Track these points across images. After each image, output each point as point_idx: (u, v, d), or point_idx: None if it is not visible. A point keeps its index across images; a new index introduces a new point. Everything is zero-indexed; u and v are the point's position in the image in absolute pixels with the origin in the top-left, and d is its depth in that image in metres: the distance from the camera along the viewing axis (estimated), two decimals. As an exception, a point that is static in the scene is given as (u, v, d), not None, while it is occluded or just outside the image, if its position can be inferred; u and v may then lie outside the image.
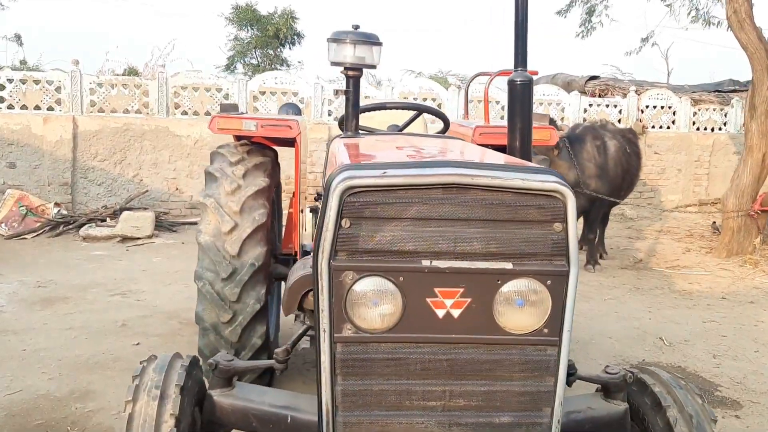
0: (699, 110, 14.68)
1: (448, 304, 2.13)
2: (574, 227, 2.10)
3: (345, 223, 2.06)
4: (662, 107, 14.45)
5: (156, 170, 11.62)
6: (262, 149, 4.77)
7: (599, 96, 15.08)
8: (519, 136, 3.13)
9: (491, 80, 5.53)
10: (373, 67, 3.40)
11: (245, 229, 4.32)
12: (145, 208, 11.05)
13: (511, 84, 3.09)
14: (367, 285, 2.11)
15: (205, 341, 4.38)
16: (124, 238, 10.18)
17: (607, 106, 14.06)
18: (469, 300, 2.13)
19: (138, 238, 10.22)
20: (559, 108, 13.68)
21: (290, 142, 5.04)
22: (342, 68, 3.40)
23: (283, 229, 5.47)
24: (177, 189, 11.73)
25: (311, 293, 2.58)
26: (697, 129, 14.59)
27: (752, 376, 5.47)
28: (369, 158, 2.65)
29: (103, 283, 7.84)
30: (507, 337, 2.15)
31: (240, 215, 4.34)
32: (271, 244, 4.51)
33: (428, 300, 2.12)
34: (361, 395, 2.15)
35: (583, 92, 14.77)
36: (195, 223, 11.40)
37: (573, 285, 2.12)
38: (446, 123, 3.96)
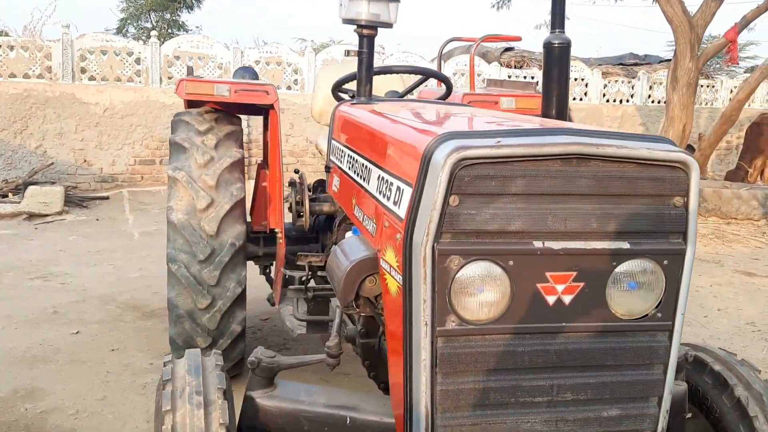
0: (609, 83, 15.12)
1: (560, 290, 1.90)
2: (696, 202, 1.92)
3: (453, 200, 1.79)
4: (575, 79, 14.75)
5: (61, 141, 10.69)
6: (229, 117, 4.35)
7: (516, 67, 15.22)
8: (555, 103, 2.93)
9: (477, 46, 5.30)
10: (389, 25, 3.08)
11: (223, 206, 3.91)
12: (52, 183, 10.14)
13: (548, 47, 2.88)
14: (474, 271, 1.85)
15: (178, 330, 3.97)
16: (31, 215, 9.30)
17: (525, 77, 14.20)
18: (582, 284, 1.91)
19: (46, 215, 9.38)
20: (480, 79, 13.68)
21: (257, 110, 4.64)
22: (355, 27, 3.06)
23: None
24: (85, 161, 10.85)
25: (368, 279, 2.29)
26: (607, 101, 15.02)
27: (711, 341, 5.62)
28: (441, 127, 2.36)
29: (18, 266, 7.10)
30: (619, 323, 1.95)
31: (216, 190, 3.92)
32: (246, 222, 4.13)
33: (539, 286, 1.89)
34: (464, 394, 1.90)
35: (500, 63, 14.85)
36: (107, 198, 10.64)
37: (689, 265, 1.95)
38: (449, 88, 3.72)
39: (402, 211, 1.95)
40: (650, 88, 15.29)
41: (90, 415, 4.03)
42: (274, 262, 4.36)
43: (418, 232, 1.83)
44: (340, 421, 2.27)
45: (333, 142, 3.22)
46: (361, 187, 2.52)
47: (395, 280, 2.00)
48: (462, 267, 1.83)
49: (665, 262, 1.94)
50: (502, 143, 1.79)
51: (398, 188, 2.03)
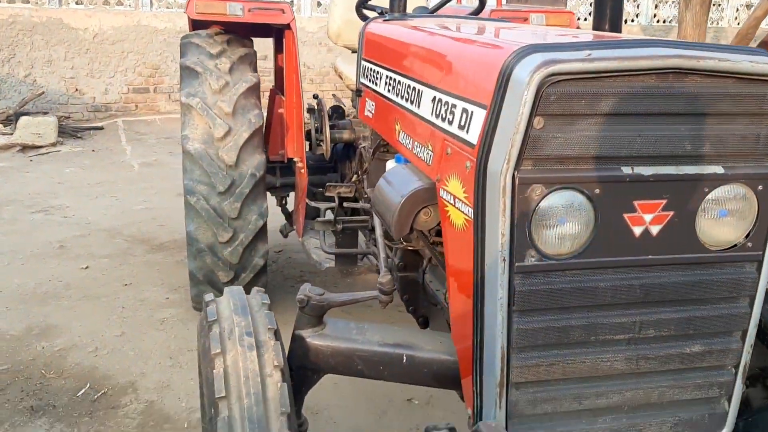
0: (613, 1, 14.63)
1: (648, 220, 1.74)
2: (795, 120, 1.74)
3: (537, 122, 1.60)
4: (578, -2, 14.26)
5: (51, 69, 10.28)
6: (241, 39, 4.08)
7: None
8: (609, 15, 2.71)
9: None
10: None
11: (241, 134, 3.70)
12: (45, 113, 9.78)
13: (602, -45, 2.63)
14: (557, 201, 1.68)
15: (199, 264, 3.82)
16: (25, 147, 9.00)
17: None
18: (671, 213, 1.75)
19: (40, 147, 9.07)
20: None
21: (267, 32, 4.36)
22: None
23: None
24: (77, 90, 10.47)
25: (423, 212, 2.13)
26: (611, 21, 14.56)
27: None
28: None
29: (17, 200, 6.88)
30: (707, 254, 1.80)
31: (233, 118, 3.70)
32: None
33: (625, 216, 1.73)
34: (541, 333, 1.77)
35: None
36: (101, 128, 10.32)
37: (784, 190, 1.78)
38: (483, 2, 3.46)
39: (472, 136, 1.76)
40: (656, 7, 14.84)
41: (110, 352, 3.92)
42: (294, 193, 4.18)
43: (495, 159, 1.65)
44: (396, 359, 2.14)
45: (365, 63, 2.99)
46: (408, 111, 2.32)
47: (462, 212, 1.83)
48: (544, 197, 1.66)
49: (759, 187, 1.77)
50: (594, 56, 1.59)
51: (465, 111, 1.83)
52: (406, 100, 2.35)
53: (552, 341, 1.78)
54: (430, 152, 2.08)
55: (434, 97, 2.09)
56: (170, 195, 7.12)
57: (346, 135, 3.95)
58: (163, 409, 3.39)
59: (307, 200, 3.65)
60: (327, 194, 3.49)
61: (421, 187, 2.09)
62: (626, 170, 1.69)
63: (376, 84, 2.74)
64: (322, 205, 3.51)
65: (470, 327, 1.86)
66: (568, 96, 1.59)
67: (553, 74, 1.56)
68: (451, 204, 1.90)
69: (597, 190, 1.68)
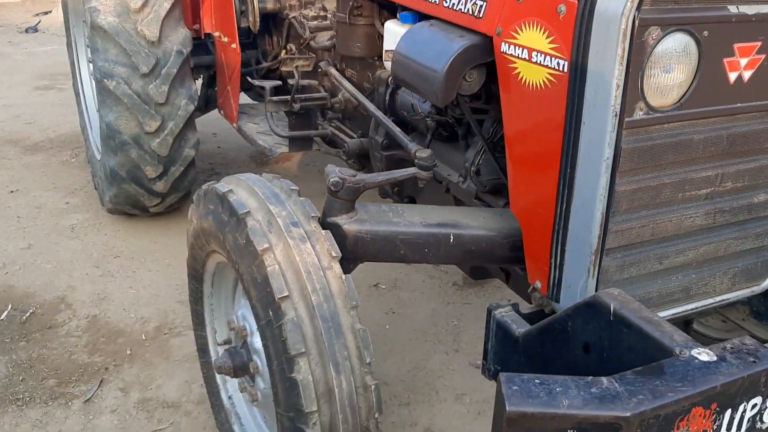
0: None
1: (743, 64, 1.64)
2: None
3: None
4: None
5: None
6: None
7: None
8: None
9: None
10: None
11: (162, 4, 3.17)
12: None
13: None
14: (671, 44, 1.52)
15: (122, 159, 3.34)
16: None
17: None
18: (762, 56, 1.65)
19: None
20: None
21: None
22: None
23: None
24: None
25: (467, 74, 1.90)
26: None
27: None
28: None
29: None
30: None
31: (149, -17, 3.15)
32: (185, 24, 3.41)
33: (724, 60, 1.61)
34: (639, 194, 1.65)
35: None
36: None
37: None
38: None
39: None
40: None
41: (22, 268, 3.41)
42: (217, 75, 3.70)
43: (606, 0, 1.45)
44: (443, 239, 1.96)
45: None
46: None
47: (545, 66, 1.63)
48: (660, 41, 1.50)
49: None
50: None
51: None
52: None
53: (645, 202, 1.67)
54: (481, 3, 1.82)
55: (480, -61, 1.81)
56: (26, 89, 6.24)
57: (270, 5, 3.53)
58: (110, 323, 3.02)
59: (250, 79, 3.24)
60: (284, 69, 3.11)
61: (467, 45, 1.85)
62: (732, 9, 1.56)
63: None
64: (268, 83, 3.13)
65: (547, 195, 1.71)
66: None
67: None
68: (524, 59, 1.69)
69: (705, 32, 1.54)
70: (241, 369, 1.98)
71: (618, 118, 1.53)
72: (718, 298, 1.95)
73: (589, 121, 1.57)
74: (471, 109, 2.07)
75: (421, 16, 2.18)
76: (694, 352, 1.33)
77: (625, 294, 1.50)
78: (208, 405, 2.52)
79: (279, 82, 3.17)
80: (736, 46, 1.60)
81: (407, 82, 2.06)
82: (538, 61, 1.65)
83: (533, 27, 1.64)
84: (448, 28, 1.96)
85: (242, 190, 1.86)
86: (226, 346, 2.12)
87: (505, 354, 1.85)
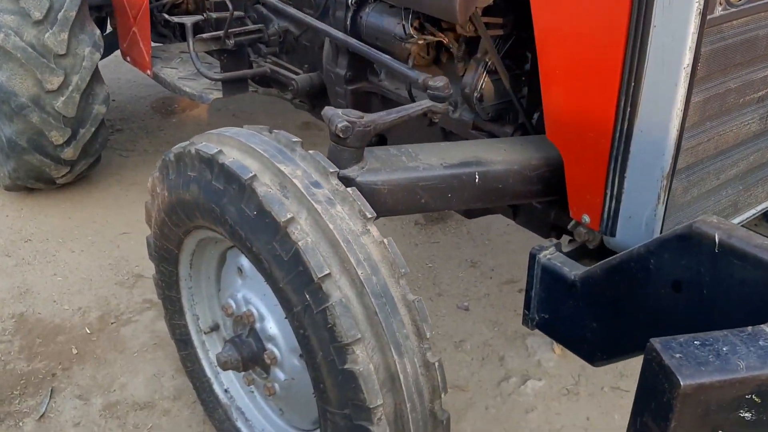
0: None
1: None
2: None
3: None
4: None
5: None
6: None
7: None
8: None
9: None
10: None
11: (45, -68, 2.61)
12: None
13: None
14: None
15: (21, 126, 2.81)
16: None
17: None
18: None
19: None
20: None
21: None
22: None
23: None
24: None
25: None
26: None
27: None
28: None
29: None
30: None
31: None
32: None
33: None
34: (709, 104, 1.44)
35: None
36: None
37: None
38: None
39: None
40: None
41: None
42: (117, 14, 3.16)
43: None
44: (468, 181, 1.69)
45: None
46: None
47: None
48: None
49: None
50: None
51: None
52: None
53: (712, 112, 1.48)
54: None
55: None
56: None
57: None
58: (42, 320, 2.57)
59: (168, 16, 2.76)
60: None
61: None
62: None
63: None
64: (188, 20, 2.67)
65: (601, 114, 1.48)
66: None
67: None
68: (565, -43, 1.41)
69: None
70: (251, 361, 1.67)
71: (702, 16, 1.30)
72: (759, 208, 1.82)
73: (662, 23, 1.33)
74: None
75: None
76: (834, 278, 1.17)
77: (726, 221, 1.31)
78: (187, 399, 2.22)
79: (201, 17, 2.72)
80: None
81: (411, 1, 1.74)
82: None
83: None
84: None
85: (233, 149, 1.51)
86: (225, 336, 1.80)
87: (556, 301, 1.65)
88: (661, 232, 1.53)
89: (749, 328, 1.07)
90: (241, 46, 2.71)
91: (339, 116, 1.56)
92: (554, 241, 1.68)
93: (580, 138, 1.57)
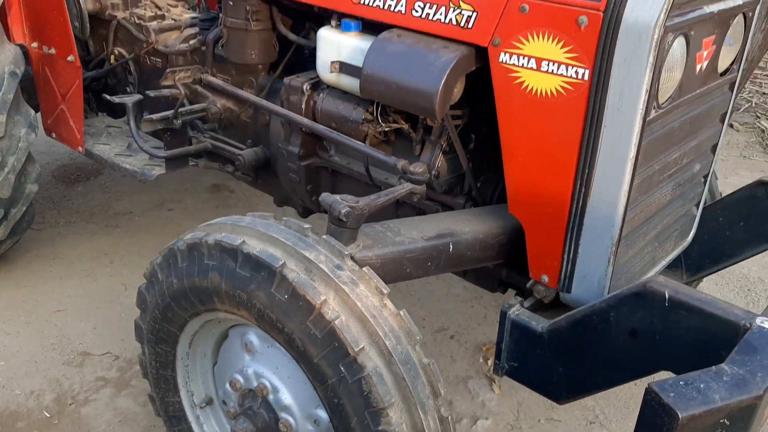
0: None
1: (705, 56, 1.84)
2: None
3: None
4: None
5: None
6: None
7: None
8: None
9: None
10: None
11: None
12: None
13: None
14: (676, 46, 1.65)
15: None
16: None
17: None
18: (714, 47, 1.88)
19: None
20: None
21: None
22: None
23: None
24: None
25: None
26: None
27: None
28: None
29: None
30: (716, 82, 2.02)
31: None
32: None
33: (696, 54, 1.80)
34: (643, 183, 1.79)
35: None
36: None
37: None
38: None
39: None
40: None
41: None
42: (41, 91, 3.16)
43: (638, 11, 1.55)
44: (443, 250, 1.96)
45: None
46: None
47: (559, 75, 1.69)
48: (671, 44, 1.64)
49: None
50: None
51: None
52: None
53: (644, 189, 1.84)
54: (469, 12, 1.81)
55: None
56: None
57: (90, 5, 3.12)
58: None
59: (109, 97, 2.81)
60: (165, 83, 2.74)
61: (459, 57, 1.83)
62: (707, 9, 1.75)
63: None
64: (129, 99, 2.75)
65: (559, 194, 1.80)
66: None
67: None
68: (530, 68, 1.73)
69: (692, 32, 1.72)
70: (265, 430, 1.81)
71: (643, 119, 1.65)
72: (668, 259, 2.21)
73: (611, 123, 1.67)
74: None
75: (365, 23, 2.11)
76: (758, 321, 1.52)
77: (671, 280, 1.65)
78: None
79: (141, 97, 2.82)
80: (704, 40, 1.81)
81: (389, 98, 1.98)
82: (551, 70, 1.70)
83: (543, 37, 1.69)
84: (424, 39, 1.91)
85: (253, 238, 1.67)
86: (228, 409, 1.92)
87: (525, 350, 1.93)
88: (608, 288, 1.87)
89: (713, 367, 1.39)
90: (186, 123, 2.83)
91: (339, 202, 1.77)
92: (518, 299, 1.97)
93: (541, 213, 1.88)
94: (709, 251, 2.44)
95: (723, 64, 2.00)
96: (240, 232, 1.70)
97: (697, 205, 2.29)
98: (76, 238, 3.65)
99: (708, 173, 2.25)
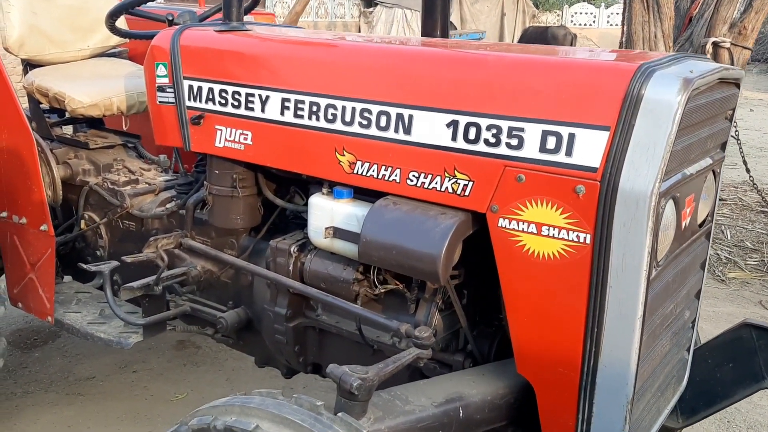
0: None
1: (687, 213, 1.95)
2: None
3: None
4: None
5: None
6: None
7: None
8: (440, 23, 2.80)
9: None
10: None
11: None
12: None
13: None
14: (668, 210, 1.75)
15: None
16: None
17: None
18: (693, 205, 2.00)
19: None
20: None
21: None
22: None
23: None
24: None
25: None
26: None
27: None
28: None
29: None
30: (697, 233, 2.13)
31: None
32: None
33: (681, 212, 1.90)
34: (648, 339, 1.82)
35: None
36: None
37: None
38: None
39: (586, 159, 1.68)
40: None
41: None
42: (7, 261, 3.06)
43: (633, 179, 1.64)
44: (453, 415, 1.92)
45: (217, 85, 2.36)
46: (378, 138, 2.02)
47: (560, 239, 1.74)
48: (664, 208, 1.73)
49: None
50: (695, 72, 1.71)
51: (555, 134, 1.72)
52: (374, 126, 2.02)
53: (649, 344, 1.87)
54: (465, 182, 1.88)
55: (453, 121, 1.88)
56: None
57: (61, 171, 3.13)
58: None
59: (84, 266, 2.73)
60: (147, 251, 2.70)
61: (458, 223, 1.88)
62: (687, 171, 1.87)
63: (263, 110, 2.25)
64: (106, 267, 2.69)
65: (569, 354, 1.81)
66: (692, 110, 1.69)
67: (694, 91, 1.63)
68: (530, 233, 1.78)
69: (678, 194, 1.82)
70: None
71: (645, 280, 1.70)
72: (669, 407, 2.22)
73: (616, 284, 1.71)
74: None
75: (357, 190, 2.15)
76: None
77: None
78: None
79: (117, 264, 2.76)
80: (686, 199, 1.92)
81: (389, 263, 2.00)
82: (552, 235, 1.75)
83: (542, 204, 1.75)
84: (420, 205, 1.96)
85: (265, 421, 1.61)
86: None
87: None
88: (625, 447, 1.85)
89: None
90: (166, 288, 2.77)
91: (350, 375, 1.73)
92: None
93: (551, 373, 1.87)
94: (702, 393, 2.47)
95: (701, 216, 2.12)
96: (251, 414, 1.63)
97: (688, 350, 2.34)
98: (35, 410, 3.43)
99: (695, 318, 2.32)
